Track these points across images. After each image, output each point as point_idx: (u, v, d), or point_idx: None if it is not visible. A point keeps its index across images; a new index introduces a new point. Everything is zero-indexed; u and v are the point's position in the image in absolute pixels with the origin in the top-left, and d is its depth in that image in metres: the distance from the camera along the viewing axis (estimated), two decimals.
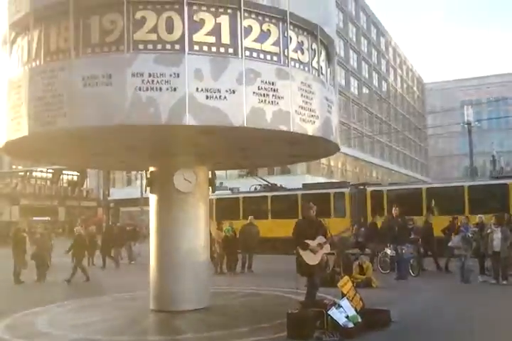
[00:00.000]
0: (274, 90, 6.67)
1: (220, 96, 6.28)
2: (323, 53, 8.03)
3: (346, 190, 22.84)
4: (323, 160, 40.22)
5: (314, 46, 7.58)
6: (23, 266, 13.18)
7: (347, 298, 6.77)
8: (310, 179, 34.86)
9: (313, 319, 6.29)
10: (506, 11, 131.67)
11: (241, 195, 25.50)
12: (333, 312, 6.31)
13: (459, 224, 12.62)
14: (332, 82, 8.42)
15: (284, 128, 6.75)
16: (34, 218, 38.36)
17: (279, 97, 6.70)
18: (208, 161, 8.57)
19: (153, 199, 8.42)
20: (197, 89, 6.20)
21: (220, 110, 6.29)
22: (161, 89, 6.11)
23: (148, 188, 8.52)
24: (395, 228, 12.02)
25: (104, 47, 6.35)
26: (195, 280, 8.08)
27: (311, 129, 7.13)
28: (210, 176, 8.96)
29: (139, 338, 6.62)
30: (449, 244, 12.02)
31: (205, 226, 8.55)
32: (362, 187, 23.50)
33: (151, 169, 8.48)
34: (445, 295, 9.75)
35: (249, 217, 15.35)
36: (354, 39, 52.15)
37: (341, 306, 6.53)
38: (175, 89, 6.14)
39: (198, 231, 8.28)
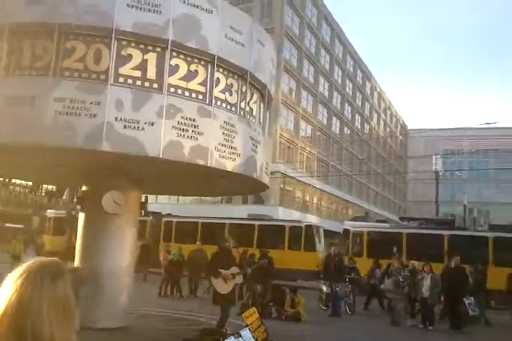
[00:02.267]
0: (195, 126, 7.04)
1: (138, 127, 6.62)
2: (256, 96, 8.47)
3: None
4: (298, 194, 40.66)
5: (244, 89, 8.01)
6: None
7: (249, 329, 6.94)
8: (282, 211, 35.19)
9: None
10: (496, 64, 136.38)
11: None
12: None
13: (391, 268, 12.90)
14: (263, 123, 8.83)
15: (201, 162, 7.07)
16: (7, 225, 38.31)
17: (198, 133, 7.05)
18: (139, 185, 8.83)
19: (82, 217, 8.63)
20: (116, 118, 6.54)
21: (137, 140, 6.61)
22: (80, 114, 6.44)
23: (78, 206, 8.74)
24: (331, 266, 12.28)
25: (32, 70, 6.70)
26: (113, 300, 8.20)
27: (230, 166, 7.47)
28: (142, 200, 9.21)
29: None
30: (381, 286, 12.28)
31: (130, 248, 8.72)
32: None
33: (84, 188, 8.73)
34: (365, 335, 9.93)
35: (197, 242, 15.55)
36: (339, 81, 53.58)
37: (241, 336, 6.69)
38: (94, 116, 6.47)
39: (121, 253, 8.45)
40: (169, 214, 25.30)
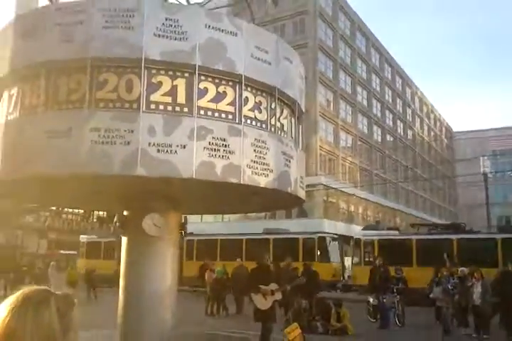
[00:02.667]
0: (226, 145, 7.21)
1: (170, 151, 6.85)
2: (286, 112, 8.60)
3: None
4: (342, 205, 40.26)
5: (273, 106, 8.16)
6: None
7: None
8: (327, 223, 34.94)
9: None
10: None
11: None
12: None
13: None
14: (296, 137, 8.93)
15: (234, 180, 7.22)
16: (61, 252, 39.75)
17: (230, 152, 7.22)
18: (178, 207, 9.07)
19: (124, 241, 8.93)
20: (149, 143, 6.79)
21: (170, 163, 6.84)
22: (115, 142, 6.73)
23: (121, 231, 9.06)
24: (376, 277, 12.12)
25: (68, 104, 7.09)
26: (158, 321, 8.40)
27: (263, 182, 7.58)
28: (182, 221, 9.45)
29: None
30: (430, 295, 12.00)
31: (173, 269, 8.93)
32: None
33: (125, 212, 9.05)
34: None
35: (237, 259, 15.67)
36: (378, 89, 53.11)
37: None
38: (128, 143, 6.74)
39: (163, 275, 8.67)
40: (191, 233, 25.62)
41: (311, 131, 38.95)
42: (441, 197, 69.85)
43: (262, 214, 37.11)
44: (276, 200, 9.00)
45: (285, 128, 8.50)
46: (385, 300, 11.80)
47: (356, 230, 33.11)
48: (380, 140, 51.35)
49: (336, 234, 26.94)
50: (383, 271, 12.26)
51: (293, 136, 8.90)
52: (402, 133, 57.51)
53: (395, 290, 12.31)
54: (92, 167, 6.78)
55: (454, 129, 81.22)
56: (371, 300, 12.43)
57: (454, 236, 19.62)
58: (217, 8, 13.84)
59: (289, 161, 8.20)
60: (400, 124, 57.43)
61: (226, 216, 37.00)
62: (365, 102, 49.37)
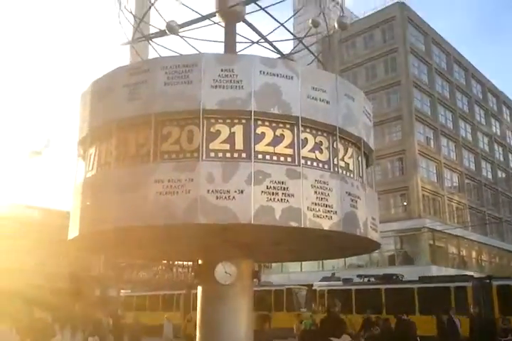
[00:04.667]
0: (284, 189, 7.14)
1: (229, 197, 6.92)
2: (351, 150, 8.39)
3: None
4: (452, 249, 37.49)
5: (336, 145, 8.00)
6: None
7: None
8: (436, 270, 32.58)
9: None
10: None
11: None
12: None
13: None
14: (364, 176, 8.63)
15: (294, 224, 7.07)
16: None
17: (289, 195, 7.13)
18: (250, 254, 9.02)
19: (199, 290, 9.00)
20: (208, 190, 6.94)
21: (229, 209, 6.89)
22: (177, 192, 6.98)
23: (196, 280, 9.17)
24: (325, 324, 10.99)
25: (136, 158, 7.54)
26: None
27: (327, 224, 7.32)
28: (256, 268, 9.34)
29: None
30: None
31: (247, 318, 8.77)
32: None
33: (200, 262, 9.17)
34: None
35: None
36: (483, 121, 50.26)
37: None
38: (189, 192, 6.95)
39: (237, 324, 8.53)
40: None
41: (410, 171, 37.47)
42: None
43: (364, 262, 35.68)
44: (346, 244, 8.62)
45: (351, 168, 8.26)
46: None
47: None
48: (490, 176, 47.86)
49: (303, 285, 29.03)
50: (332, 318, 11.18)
51: (361, 175, 8.62)
52: None
53: None
54: (159, 217, 7.04)
55: None
56: None
57: (382, 286, 23.69)
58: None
59: (356, 202, 7.89)
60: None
61: (329, 264, 36.07)
62: (469, 137, 46.73)
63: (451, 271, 33.78)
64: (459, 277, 24.22)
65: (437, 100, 43.66)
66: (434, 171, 39.94)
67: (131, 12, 10.11)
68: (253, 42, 11.10)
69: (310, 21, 10.96)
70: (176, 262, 52.14)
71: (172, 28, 9.40)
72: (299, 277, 31.48)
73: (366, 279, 25.60)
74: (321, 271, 35.66)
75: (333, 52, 43.57)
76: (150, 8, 9.98)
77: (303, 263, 34.11)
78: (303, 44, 11.39)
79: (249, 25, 10.26)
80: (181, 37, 10.41)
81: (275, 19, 10.65)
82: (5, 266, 34.95)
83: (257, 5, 10.30)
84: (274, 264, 45.44)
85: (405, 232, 34.73)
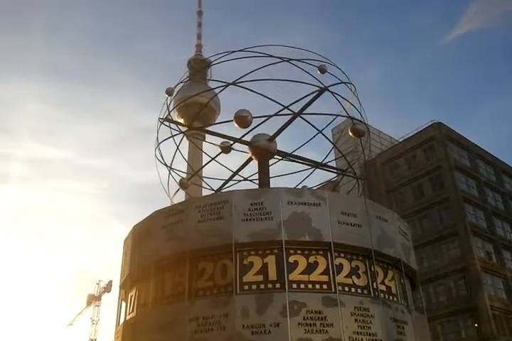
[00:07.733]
0: (322, 318, 6.87)
1: (264, 331, 6.71)
2: (391, 273, 8.14)
3: None
4: None
5: (373, 268, 7.82)
6: None
7: None
8: None
9: None
10: None
11: None
12: None
13: None
14: (410, 299, 8.23)
15: None
16: None
17: (327, 325, 6.82)
18: None
19: None
20: (243, 326, 6.77)
21: None
22: (212, 329, 6.85)
23: None
24: None
25: (172, 297, 7.60)
26: None
27: None
28: None
29: None
30: None
31: None
32: None
33: None
34: None
35: None
36: None
37: None
38: (223, 328, 6.81)
39: None
40: None
41: (475, 289, 34.97)
42: None
43: None
44: None
45: (393, 291, 7.94)
46: None
47: None
48: None
49: None
50: None
51: (406, 298, 8.22)
52: None
53: None
54: None
55: None
56: None
57: None
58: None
59: (403, 328, 7.42)
60: None
61: None
62: None
63: None
64: None
65: (492, 212, 42.32)
66: (502, 287, 37.07)
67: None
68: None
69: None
70: None
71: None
72: None
73: None
74: None
75: (377, 174, 44.33)
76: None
77: None
78: (351, 176, 11.84)
79: (285, 156, 10.97)
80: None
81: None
82: None
83: (292, 157, 11.14)
84: None
85: None
